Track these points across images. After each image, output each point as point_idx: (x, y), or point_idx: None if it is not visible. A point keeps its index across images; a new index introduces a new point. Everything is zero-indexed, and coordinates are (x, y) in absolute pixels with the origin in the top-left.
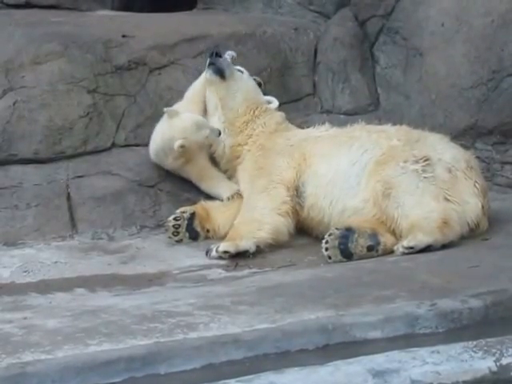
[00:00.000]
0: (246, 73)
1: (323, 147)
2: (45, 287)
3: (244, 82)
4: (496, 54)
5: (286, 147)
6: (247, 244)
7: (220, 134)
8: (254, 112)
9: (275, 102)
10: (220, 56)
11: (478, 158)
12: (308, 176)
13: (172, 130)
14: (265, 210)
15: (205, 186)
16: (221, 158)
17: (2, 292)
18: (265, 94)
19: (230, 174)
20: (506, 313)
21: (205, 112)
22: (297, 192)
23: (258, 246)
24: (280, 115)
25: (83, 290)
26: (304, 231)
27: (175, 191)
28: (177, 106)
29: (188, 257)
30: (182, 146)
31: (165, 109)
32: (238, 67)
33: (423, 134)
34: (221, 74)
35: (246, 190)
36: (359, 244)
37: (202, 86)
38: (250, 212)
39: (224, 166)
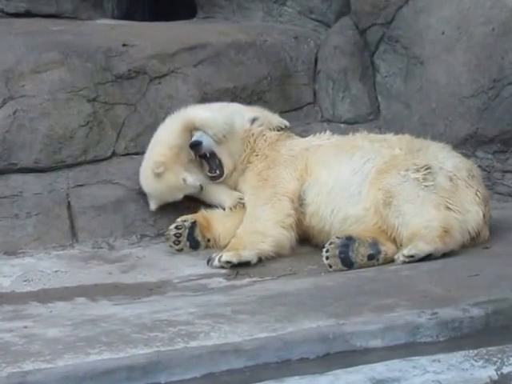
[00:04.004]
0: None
1: (325, 156)
2: (45, 296)
3: (228, 134)
4: (496, 63)
5: (289, 158)
6: (250, 255)
7: (202, 189)
8: (249, 143)
9: (258, 119)
10: (198, 145)
11: (478, 166)
12: (309, 184)
13: (149, 188)
14: (268, 223)
15: (207, 198)
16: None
17: (2, 301)
18: (265, 103)
19: (231, 186)
20: (506, 321)
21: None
22: (299, 200)
23: (259, 258)
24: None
25: (84, 299)
26: (305, 240)
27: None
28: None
29: (188, 266)
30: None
31: (152, 168)
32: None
33: (425, 143)
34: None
35: (249, 201)
36: (360, 253)
37: (180, 131)
38: (254, 223)
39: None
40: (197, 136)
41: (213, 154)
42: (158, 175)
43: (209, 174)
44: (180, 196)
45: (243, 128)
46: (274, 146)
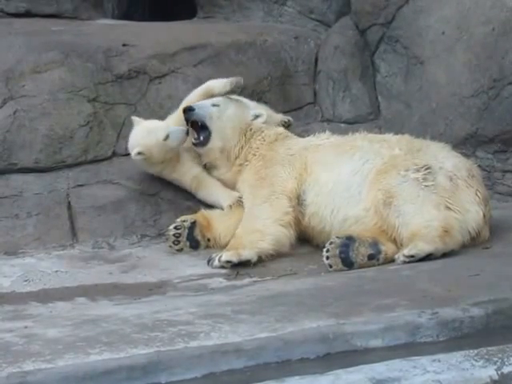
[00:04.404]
0: (226, 101)
1: (324, 156)
2: (45, 296)
3: (225, 115)
4: (497, 63)
5: (287, 156)
6: (249, 254)
7: (188, 133)
8: (245, 136)
9: (262, 117)
10: (190, 110)
11: (478, 166)
12: (309, 184)
13: (131, 138)
14: (267, 221)
15: (202, 195)
16: (222, 177)
17: (2, 301)
18: (265, 103)
19: (230, 186)
20: (507, 321)
21: None
22: (298, 200)
23: (259, 257)
24: (280, 127)
25: (84, 299)
26: (305, 240)
27: (176, 200)
28: (171, 116)
29: (189, 266)
30: (139, 153)
31: (132, 117)
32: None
33: (425, 143)
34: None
35: (248, 200)
36: (360, 253)
37: (197, 96)
38: (253, 222)
39: (224, 180)
40: (195, 104)
41: (204, 127)
42: (138, 122)
43: (193, 140)
44: (162, 135)
45: (244, 120)
46: (272, 145)
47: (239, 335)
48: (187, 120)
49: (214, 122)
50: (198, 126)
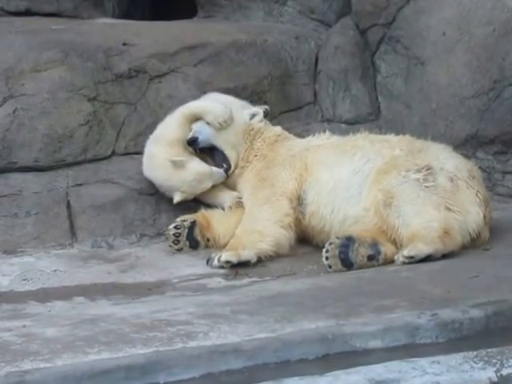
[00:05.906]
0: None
1: (325, 156)
2: (44, 295)
3: (227, 130)
4: (497, 64)
5: (288, 157)
6: (249, 255)
7: (227, 175)
8: (248, 138)
9: (259, 115)
10: (195, 141)
11: (479, 167)
12: (310, 183)
13: (174, 181)
14: (267, 222)
15: (205, 196)
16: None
17: (1, 300)
18: (265, 103)
19: (230, 186)
20: (506, 323)
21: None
22: (298, 200)
23: (258, 257)
24: (278, 128)
25: (82, 298)
26: (304, 240)
27: None
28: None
29: (188, 266)
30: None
31: (171, 160)
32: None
33: (426, 143)
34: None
35: (248, 201)
36: (360, 253)
37: (179, 125)
38: (253, 223)
39: (225, 182)
40: (194, 129)
41: (214, 148)
42: (180, 164)
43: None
44: (209, 184)
45: (244, 120)
46: (273, 146)
47: (238, 335)
48: (195, 150)
49: (219, 138)
50: (207, 150)
